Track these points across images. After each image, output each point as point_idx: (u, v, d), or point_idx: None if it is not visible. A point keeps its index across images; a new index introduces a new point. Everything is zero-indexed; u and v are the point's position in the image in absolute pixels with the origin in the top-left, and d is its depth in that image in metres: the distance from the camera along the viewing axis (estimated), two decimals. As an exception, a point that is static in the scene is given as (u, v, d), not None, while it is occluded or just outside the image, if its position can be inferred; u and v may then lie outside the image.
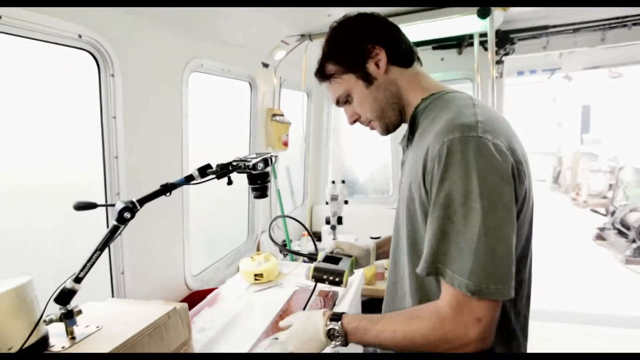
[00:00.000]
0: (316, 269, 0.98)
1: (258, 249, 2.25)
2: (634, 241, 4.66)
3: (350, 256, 1.06)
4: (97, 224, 1.28)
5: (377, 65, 0.84)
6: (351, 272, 1.01)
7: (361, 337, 0.77)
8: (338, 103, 0.93)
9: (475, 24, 1.94)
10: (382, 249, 1.13)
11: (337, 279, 0.94)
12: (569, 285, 4.00)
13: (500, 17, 1.95)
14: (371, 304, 2.50)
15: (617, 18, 2.17)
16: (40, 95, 1.25)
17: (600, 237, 5.46)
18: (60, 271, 0.92)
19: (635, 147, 7.83)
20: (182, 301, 1.58)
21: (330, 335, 0.78)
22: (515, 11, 2.15)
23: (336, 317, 0.79)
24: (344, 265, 1.00)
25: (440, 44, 2.69)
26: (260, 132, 2.21)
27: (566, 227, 6.24)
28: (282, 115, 2.28)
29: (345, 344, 0.79)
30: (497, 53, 2.50)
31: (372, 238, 1.78)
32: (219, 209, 2.39)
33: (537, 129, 10.79)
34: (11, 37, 0.95)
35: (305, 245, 2.25)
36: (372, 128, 0.93)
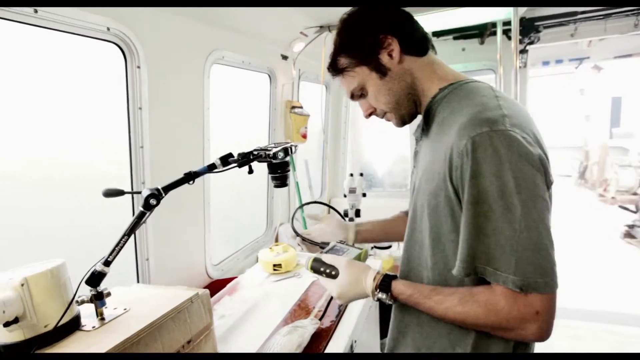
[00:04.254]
0: (316, 260, 0.92)
1: (276, 240, 2.28)
2: (665, 239, 4.46)
3: (360, 249, 0.99)
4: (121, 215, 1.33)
5: (390, 55, 0.82)
6: None
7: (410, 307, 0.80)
8: (353, 97, 0.91)
9: (499, 12, 1.89)
10: (363, 235, 1.13)
11: (333, 272, 0.89)
12: (597, 283, 3.87)
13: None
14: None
15: (652, 2, 2.07)
16: (69, 89, 1.30)
17: (629, 235, 5.24)
18: (88, 258, 0.96)
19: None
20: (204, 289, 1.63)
21: (378, 300, 0.82)
22: (541, -2, 2.07)
23: (385, 285, 0.81)
24: (348, 253, 0.94)
25: (462, 33, 2.63)
26: (280, 124, 2.22)
27: (593, 224, 6.02)
28: (301, 107, 2.29)
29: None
30: (521, 42, 2.42)
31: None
32: (239, 201, 2.44)
33: (563, 122, 10.42)
34: (43, 31, 1.00)
35: (323, 237, 2.27)
36: (388, 120, 0.91)
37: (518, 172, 0.64)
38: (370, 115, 0.92)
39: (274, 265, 1.76)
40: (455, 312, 0.72)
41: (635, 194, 7.08)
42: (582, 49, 3.27)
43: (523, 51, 2.57)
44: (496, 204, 0.64)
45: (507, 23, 2.24)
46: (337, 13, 1.96)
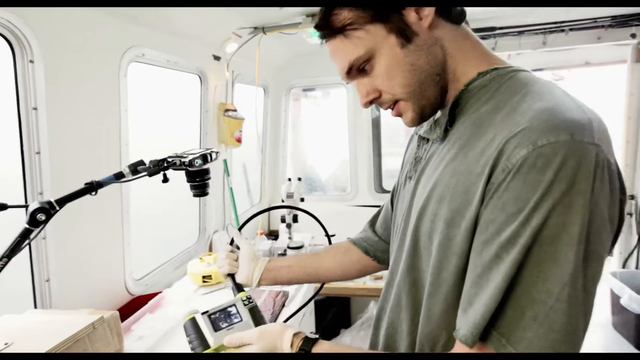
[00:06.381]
0: (191, 320, 0.74)
1: (210, 250, 2.17)
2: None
3: (258, 322, 0.74)
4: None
5: (418, 14, 0.55)
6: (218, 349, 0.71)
7: None
8: (349, 72, 0.60)
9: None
10: (273, 274, 0.88)
11: (195, 349, 0.71)
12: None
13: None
14: (327, 304, 2.49)
15: (556, 23, 2.30)
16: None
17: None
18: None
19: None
20: (123, 308, 1.48)
21: None
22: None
23: (307, 346, 0.61)
24: (232, 330, 0.72)
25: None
26: (212, 128, 2.12)
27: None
28: (235, 110, 2.20)
29: None
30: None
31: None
32: (169, 208, 2.28)
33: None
34: None
35: (259, 244, 2.20)
36: (399, 113, 0.62)
37: (588, 216, 0.43)
38: (371, 102, 0.62)
39: (204, 277, 1.67)
40: None
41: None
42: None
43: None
44: (543, 250, 0.44)
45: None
46: (270, 15, 1.93)
